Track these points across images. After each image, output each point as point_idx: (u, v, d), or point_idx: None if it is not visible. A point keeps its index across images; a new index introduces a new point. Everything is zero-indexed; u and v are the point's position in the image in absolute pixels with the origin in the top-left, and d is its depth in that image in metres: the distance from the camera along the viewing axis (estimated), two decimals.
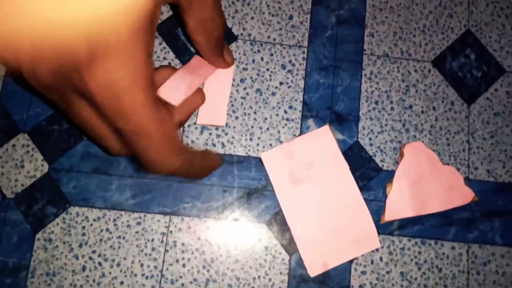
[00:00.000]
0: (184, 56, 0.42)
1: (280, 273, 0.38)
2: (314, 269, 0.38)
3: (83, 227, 0.37)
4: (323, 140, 0.39)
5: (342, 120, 0.41)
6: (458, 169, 0.41)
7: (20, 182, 0.37)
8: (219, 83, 0.38)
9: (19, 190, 0.37)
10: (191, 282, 0.37)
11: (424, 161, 0.40)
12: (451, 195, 0.40)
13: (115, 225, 0.37)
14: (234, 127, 0.41)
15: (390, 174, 0.40)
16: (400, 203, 0.39)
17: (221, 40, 0.33)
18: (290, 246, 0.38)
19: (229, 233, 0.38)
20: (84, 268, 0.37)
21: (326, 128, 0.40)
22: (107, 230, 0.37)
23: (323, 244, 0.37)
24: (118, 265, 0.37)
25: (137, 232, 0.37)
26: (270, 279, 0.38)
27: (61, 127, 0.38)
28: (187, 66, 0.36)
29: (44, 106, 0.38)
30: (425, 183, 0.40)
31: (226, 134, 0.40)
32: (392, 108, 0.42)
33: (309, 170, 0.38)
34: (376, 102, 0.42)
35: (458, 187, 0.40)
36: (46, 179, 0.38)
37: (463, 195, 0.40)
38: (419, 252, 0.39)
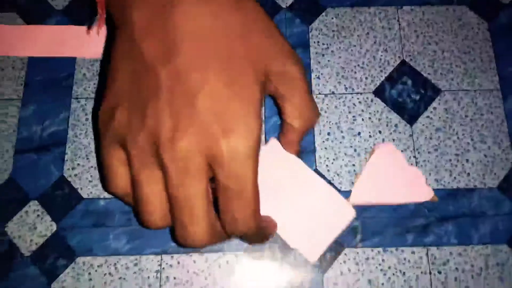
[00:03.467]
0: None
1: None
2: (312, 255, 0.47)
3: (89, 273, 0.47)
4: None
5: (301, 153, 0.50)
6: (432, 191, 0.49)
7: (34, 242, 0.48)
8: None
9: (34, 248, 0.47)
10: None
11: (391, 158, 0.49)
12: (414, 190, 0.49)
13: (115, 268, 0.47)
14: None
15: (348, 194, 0.49)
16: (365, 190, 0.48)
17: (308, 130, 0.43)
18: (269, 271, 0.46)
19: (213, 264, 0.47)
20: None
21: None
22: (110, 273, 0.47)
23: (306, 233, 0.47)
24: None
25: (134, 272, 0.47)
26: None
27: (63, 191, 0.49)
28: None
29: (47, 176, 0.49)
30: (391, 176, 0.49)
31: None
32: (343, 137, 0.51)
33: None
34: (329, 133, 0.51)
35: (421, 185, 0.49)
36: (56, 237, 0.48)
37: (425, 193, 0.49)
38: (383, 260, 0.47)
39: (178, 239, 0.33)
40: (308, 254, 0.48)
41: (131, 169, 0.31)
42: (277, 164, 0.49)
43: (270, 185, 0.48)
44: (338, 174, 0.51)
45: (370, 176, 0.50)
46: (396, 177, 0.50)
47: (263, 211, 0.45)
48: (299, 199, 0.49)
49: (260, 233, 0.37)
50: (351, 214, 0.48)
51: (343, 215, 0.48)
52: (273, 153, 0.50)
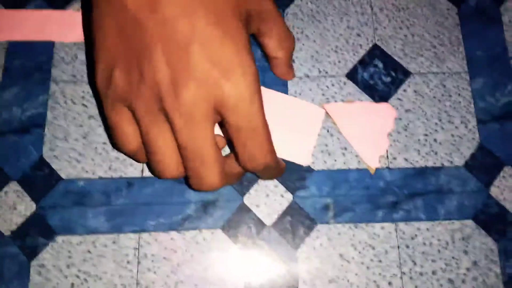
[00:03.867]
0: None
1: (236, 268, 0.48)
2: (305, 159, 0.52)
3: (69, 251, 0.48)
4: None
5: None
6: (379, 161, 0.51)
7: (14, 222, 0.48)
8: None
9: (14, 228, 0.48)
10: (162, 286, 0.47)
11: (382, 118, 0.55)
12: (368, 150, 0.53)
13: (94, 246, 0.48)
14: None
15: (321, 173, 0.50)
16: (343, 112, 0.51)
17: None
18: (245, 244, 0.48)
19: (191, 241, 0.48)
20: (72, 285, 0.47)
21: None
22: (88, 251, 0.48)
23: (292, 143, 0.51)
24: (100, 279, 0.47)
25: (113, 250, 0.48)
26: (229, 274, 0.48)
27: (44, 172, 0.50)
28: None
29: (27, 157, 0.50)
30: (366, 124, 0.54)
31: None
32: None
33: None
34: None
35: (374, 153, 0.53)
36: (35, 216, 0.49)
37: (371, 160, 0.52)
38: (353, 235, 0.49)
39: (193, 186, 0.35)
40: (301, 160, 0.52)
41: (140, 126, 0.32)
42: None
43: None
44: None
45: (356, 109, 0.54)
46: (368, 129, 0.53)
47: None
48: (273, 118, 0.51)
49: (277, 165, 0.38)
50: (322, 113, 0.53)
51: (315, 116, 0.52)
52: None
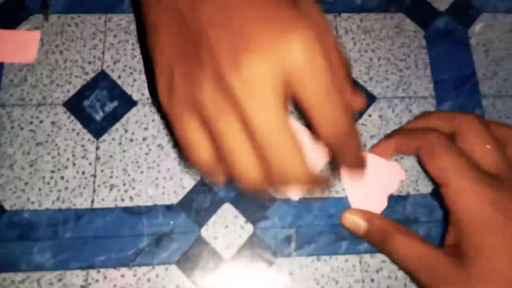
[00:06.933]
0: (89, 125, 0.49)
1: None
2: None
3: None
4: None
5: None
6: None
7: None
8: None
9: None
10: None
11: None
12: None
13: (39, 284, 0.44)
14: (140, 181, 0.47)
15: (284, 202, 0.47)
16: None
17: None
18: (201, 281, 0.44)
19: (143, 277, 0.44)
20: None
21: None
22: None
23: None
24: None
25: None
26: None
27: None
28: None
29: None
30: None
31: (133, 188, 0.47)
32: None
33: None
34: None
35: None
36: None
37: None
38: (316, 269, 0.45)
39: (278, 179, 0.27)
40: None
41: (212, 127, 0.27)
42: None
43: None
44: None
45: None
46: (370, 184, 0.47)
47: None
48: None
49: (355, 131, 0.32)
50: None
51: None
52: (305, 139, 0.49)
